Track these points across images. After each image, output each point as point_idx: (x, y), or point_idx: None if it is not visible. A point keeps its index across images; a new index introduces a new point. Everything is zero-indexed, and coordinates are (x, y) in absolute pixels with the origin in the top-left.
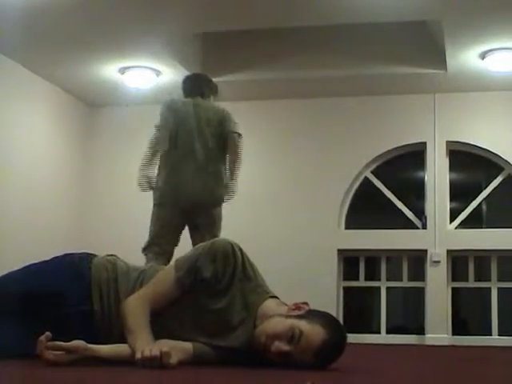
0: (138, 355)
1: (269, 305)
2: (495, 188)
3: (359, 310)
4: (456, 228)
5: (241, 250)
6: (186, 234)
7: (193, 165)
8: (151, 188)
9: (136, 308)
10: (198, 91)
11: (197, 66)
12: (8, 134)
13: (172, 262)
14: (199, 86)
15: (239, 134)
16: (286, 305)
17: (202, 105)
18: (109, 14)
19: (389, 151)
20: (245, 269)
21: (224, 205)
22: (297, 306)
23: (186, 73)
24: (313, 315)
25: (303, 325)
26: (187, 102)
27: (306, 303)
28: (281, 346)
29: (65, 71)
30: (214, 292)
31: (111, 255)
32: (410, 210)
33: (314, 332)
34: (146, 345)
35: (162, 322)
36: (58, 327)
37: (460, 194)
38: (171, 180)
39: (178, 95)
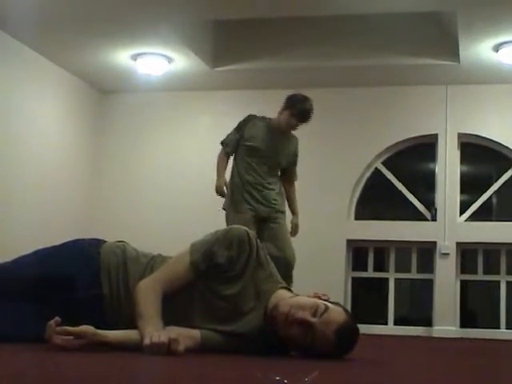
0: (147, 341)
1: (282, 293)
2: (506, 181)
3: (367, 300)
4: (466, 220)
5: (256, 238)
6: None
7: None
8: None
9: (148, 292)
10: None
11: (208, 54)
12: (20, 120)
13: (187, 246)
14: None
15: (221, 143)
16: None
17: None
18: (122, 0)
19: (400, 142)
20: (259, 257)
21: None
22: (316, 295)
23: (198, 60)
24: (333, 302)
25: (327, 303)
26: None
27: (325, 295)
28: (306, 314)
29: (77, 57)
30: (226, 278)
31: (121, 241)
32: (420, 201)
33: (337, 310)
34: (154, 331)
35: (173, 306)
36: (68, 312)
37: (470, 186)
38: None
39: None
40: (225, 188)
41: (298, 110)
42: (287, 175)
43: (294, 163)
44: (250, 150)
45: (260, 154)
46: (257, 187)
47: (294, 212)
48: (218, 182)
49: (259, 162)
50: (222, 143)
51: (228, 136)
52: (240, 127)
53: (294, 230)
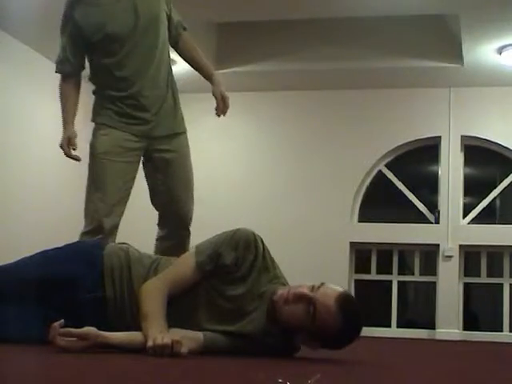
0: (150, 343)
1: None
2: (509, 184)
3: (370, 303)
4: (469, 223)
5: (262, 240)
6: None
7: None
8: None
9: (153, 293)
10: None
11: (211, 56)
12: (21, 120)
13: (193, 247)
14: None
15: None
16: None
17: None
18: None
19: (403, 145)
20: (264, 259)
21: (239, 196)
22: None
23: None
24: None
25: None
26: None
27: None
28: (304, 289)
29: None
30: (231, 279)
31: (123, 243)
32: (423, 204)
33: (332, 285)
34: (158, 332)
35: (177, 306)
36: (71, 314)
37: (474, 189)
38: None
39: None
40: (76, 141)
41: None
42: (173, 38)
43: (169, 14)
44: (102, 45)
45: (121, 43)
46: (127, 101)
47: (209, 76)
48: (64, 133)
49: (124, 57)
50: (58, 72)
51: (59, 54)
52: (67, 22)
53: (222, 105)
